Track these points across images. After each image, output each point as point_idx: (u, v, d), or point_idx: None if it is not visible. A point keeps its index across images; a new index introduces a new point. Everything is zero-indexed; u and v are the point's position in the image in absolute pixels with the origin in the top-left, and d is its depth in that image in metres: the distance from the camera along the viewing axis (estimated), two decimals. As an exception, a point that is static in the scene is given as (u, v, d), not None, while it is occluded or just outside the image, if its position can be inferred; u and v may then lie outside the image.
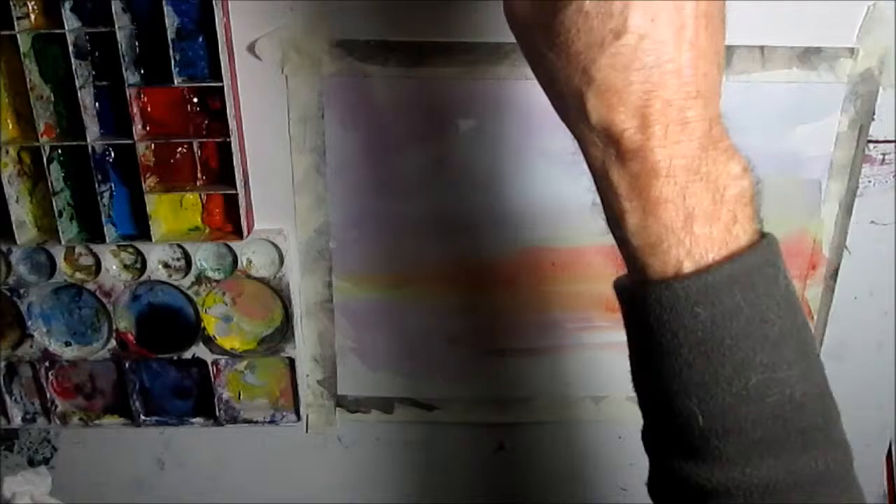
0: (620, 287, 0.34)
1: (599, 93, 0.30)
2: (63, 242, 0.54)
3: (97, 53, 0.51)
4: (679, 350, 0.31)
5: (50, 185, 0.52)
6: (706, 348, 0.30)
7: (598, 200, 0.33)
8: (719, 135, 0.31)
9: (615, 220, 0.32)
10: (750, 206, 0.31)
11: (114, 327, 0.58)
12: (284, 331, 0.59)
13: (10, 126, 0.52)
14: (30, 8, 0.49)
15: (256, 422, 0.62)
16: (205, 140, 0.53)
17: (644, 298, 0.31)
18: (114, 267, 0.57)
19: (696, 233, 0.30)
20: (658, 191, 0.30)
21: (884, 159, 0.55)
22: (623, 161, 0.30)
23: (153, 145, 0.53)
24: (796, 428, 0.31)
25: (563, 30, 0.30)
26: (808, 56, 0.52)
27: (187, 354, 0.59)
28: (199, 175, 0.54)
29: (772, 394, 0.31)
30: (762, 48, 0.52)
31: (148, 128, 0.52)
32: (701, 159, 0.30)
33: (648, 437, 0.36)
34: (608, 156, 0.31)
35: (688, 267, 0.30)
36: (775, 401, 0.31)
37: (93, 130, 0.52)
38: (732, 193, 0.31)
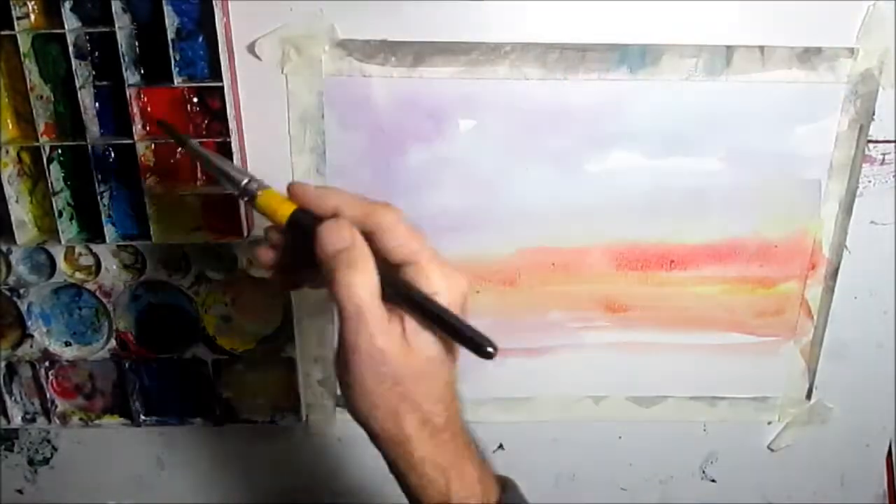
0: None
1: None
2: (63, 242, 0.54)
3: (97, 53, 0.51)
4: None
5: (50, 185, 0.52)
6: None
7: None
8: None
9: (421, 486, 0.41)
10: None
11: (114, 327, 0.58)
12: (284, 331, 0.59)
13: (10, 126, 0.52)
14: (30, 8, 0.49)
15: (256, 422, 0.62)
16: (205, 140, 0.53)
17: None
18: (114, 267, 0.57)
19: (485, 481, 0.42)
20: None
21: (884, 159, 0.55)
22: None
23: (153, 145, 0.53)
24: None
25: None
26: (808, 56, 0.52)
27: (187, 354, 0.59)
28: (199, 175, 0.54)
29: None
30: (762, 48, 0.52)
31: (148, 128, 0.52)
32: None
33: None
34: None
35: None
36: None
37: (93, 130, 0.52)
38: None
